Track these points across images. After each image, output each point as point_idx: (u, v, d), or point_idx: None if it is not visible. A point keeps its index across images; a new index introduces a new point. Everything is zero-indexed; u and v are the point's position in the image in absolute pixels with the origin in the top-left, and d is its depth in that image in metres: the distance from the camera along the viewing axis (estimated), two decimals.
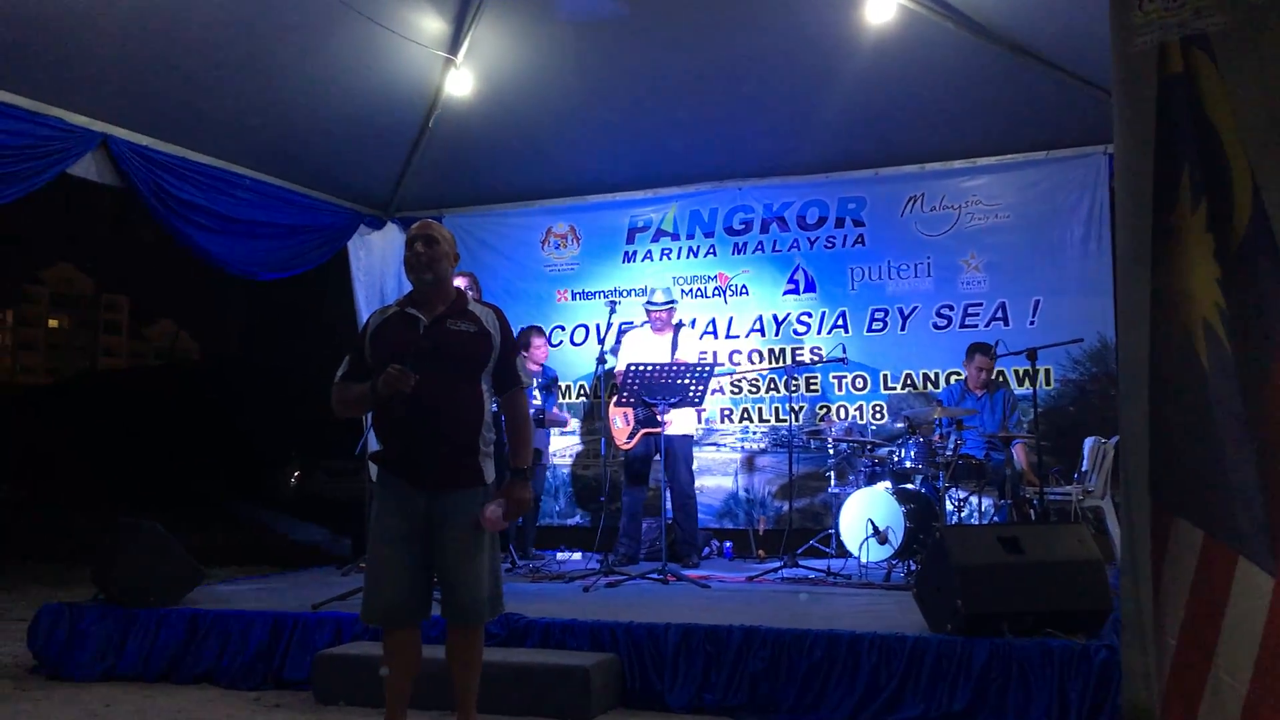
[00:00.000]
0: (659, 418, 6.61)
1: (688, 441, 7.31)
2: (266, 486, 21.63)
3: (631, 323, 7.89)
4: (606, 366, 7.31)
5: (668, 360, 7.01)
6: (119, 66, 5.99)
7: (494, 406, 3.79)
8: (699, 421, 7.85)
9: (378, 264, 8.67)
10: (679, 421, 7.04)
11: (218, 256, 7.07)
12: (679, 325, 7.49)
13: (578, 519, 8.46)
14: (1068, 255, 7.42)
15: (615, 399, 6.95)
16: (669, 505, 7.06)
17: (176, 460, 22.14)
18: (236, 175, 7.18)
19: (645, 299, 7.56)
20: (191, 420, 22.32)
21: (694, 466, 7.55)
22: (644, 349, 7.23)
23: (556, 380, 7.99)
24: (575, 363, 8.53)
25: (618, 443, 7.24)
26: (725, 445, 8.22)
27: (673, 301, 7.46)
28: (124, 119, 6.35)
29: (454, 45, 6.82)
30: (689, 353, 7.32)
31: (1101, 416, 7.07)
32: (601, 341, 7.23)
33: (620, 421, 7.22)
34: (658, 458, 7.03)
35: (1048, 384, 7.38)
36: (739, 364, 8.17)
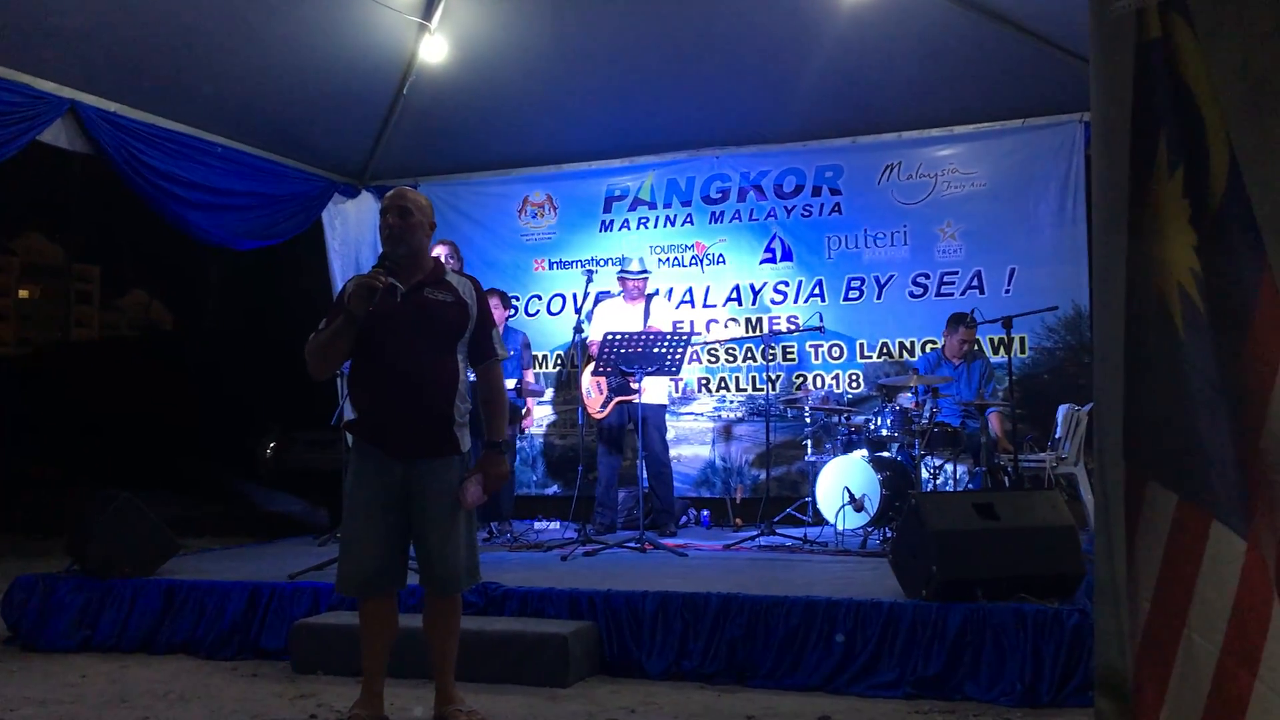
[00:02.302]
0: (633, 386, 6.61)
1: (661, 410, 7.32)
2: (242, 457, 21.49)
3: (609, 292, 7.86)
4: (582, 336, 7.30)
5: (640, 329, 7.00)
6: (86, 31, 5.88)
7: (470, 377, 3.78)
8: (676, 390, 7.87)
9: (353, 233, 8.57)
10: (652, 390, 7.02)
11: (193, 225, 6.98)
12: (651, 295, 7.49)
13: (555, 488, 8.46)
14: (1043, 223, 7.44)
15: (591, 368, 6.94)
16: (645, 474, 7.07)
17: (151, 431, 21.96)
18: (208, 142, 7.08)
19: (620, 268, 7.53)
20: (166, 391, 22.11)
21: (670, 435, 7.57)
22: (617, 318, 7.21)
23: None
24: (552, 332, 8.50)
25: (591, 412, 7.25)
26: (703, 414, 8.23)
27: (646, 271, 7.48)
28: (92, 85, 6.24)
29: (428, 11, 6.73)
30: (661, 323, 7.32)
31: (1075, 384, 7.13)
32: (579, 310, 7.21)
33: (594, 391, 7.22)
34: (631, 426, 7.04)
35: (1022, 352, 7.43)
36: (715, 333, 8.17)
